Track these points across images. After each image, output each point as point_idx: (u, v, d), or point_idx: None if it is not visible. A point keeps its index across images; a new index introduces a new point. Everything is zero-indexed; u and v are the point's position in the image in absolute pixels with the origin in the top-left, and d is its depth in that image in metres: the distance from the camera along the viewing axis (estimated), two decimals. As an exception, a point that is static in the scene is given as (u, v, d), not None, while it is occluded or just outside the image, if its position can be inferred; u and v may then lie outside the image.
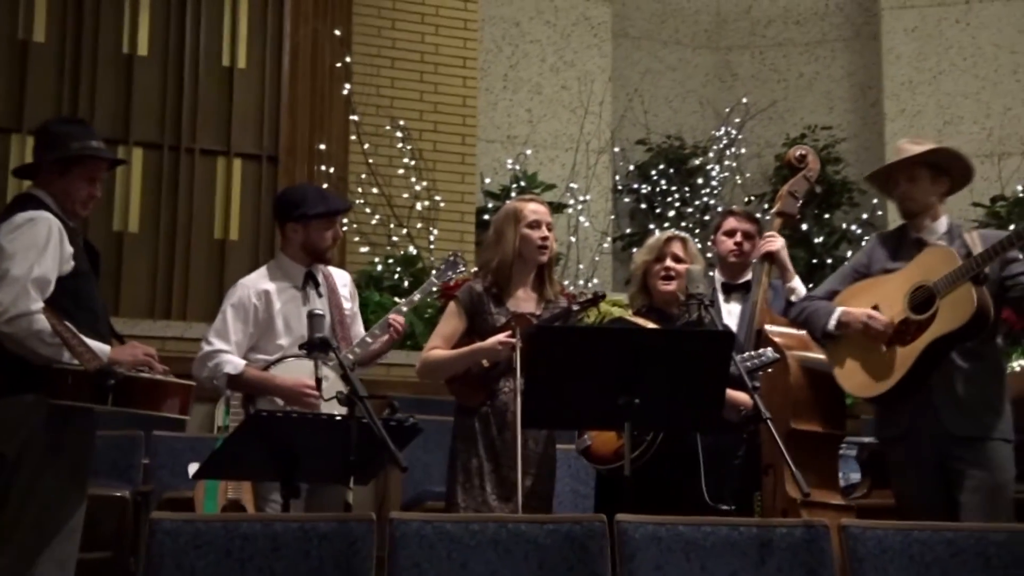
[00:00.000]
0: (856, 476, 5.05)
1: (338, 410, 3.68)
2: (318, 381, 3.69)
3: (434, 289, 4.66)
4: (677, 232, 4.35)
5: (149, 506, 5.23)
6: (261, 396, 4.09)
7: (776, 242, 4.47)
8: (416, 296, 4.51)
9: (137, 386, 3.50)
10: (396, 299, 6.54)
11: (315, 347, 3.65)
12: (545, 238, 4.11)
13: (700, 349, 3.46)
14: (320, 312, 3.77)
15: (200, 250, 7.31)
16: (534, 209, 4.15)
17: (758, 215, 5.08)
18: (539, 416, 3.58)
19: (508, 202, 4.34)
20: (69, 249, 3.62)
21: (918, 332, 3.88)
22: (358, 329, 4.41)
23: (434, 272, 4.70)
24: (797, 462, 3.83)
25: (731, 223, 4.65)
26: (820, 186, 8.09)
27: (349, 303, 4.39)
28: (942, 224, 4.08)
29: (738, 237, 4.60)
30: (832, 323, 4.02)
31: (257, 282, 4.26)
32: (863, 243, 8.38)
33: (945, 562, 3.20)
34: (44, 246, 3.54)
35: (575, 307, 4.10)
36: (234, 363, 4.09)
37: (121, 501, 5.00)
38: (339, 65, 7.72)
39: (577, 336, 3.66)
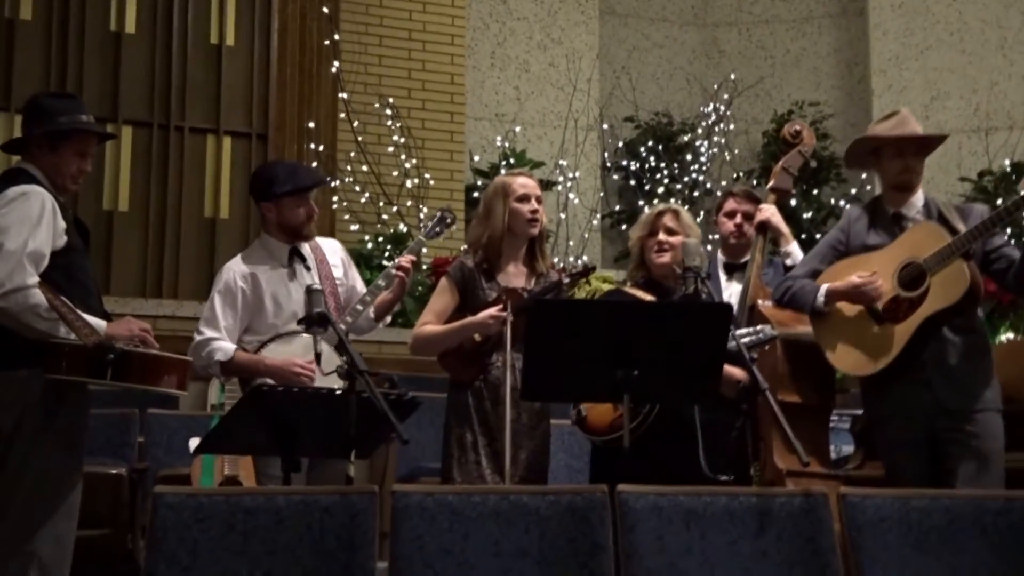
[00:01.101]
0: (848, 448, 5.08)
1: (335, 384, 3.71)
2: (317, 356, 3.69)
3: (424, 249, 4.63)
4: (669, 205, 4.36)
5: (145, 483, 5.24)
6: (254, 379, 4.10)
7: (766, 210, 4.48)
8: (405, 257, 4.45)
9: (136, 361, 3.49)
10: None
11: (313, 322, 3.66)
12: (535, 211, 4.12)
13: (698, 321, 3.48)
14: (318, 288, 3.77)
15: (190, 228, 7.32)
16: (523, 183, 4.16)
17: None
18: (538, 389, 3.58)
19: (497, 177, 4.35)
20: (62, 224, 3.60)
21: (910, 309, 3.89)
22: (358, 294, 4.38)
23: (423, 229, 4.66)
24: (784, 435, 3.86)
25: (731, 204, 4.63)
26: (814, 161, 8.10)
27: (341, 271, 4.37)
28: (919, 198, 4.08)
29: (738, 219, 4.58)
30: (820, 299, 4.01)
31: (242, 264, 4.25)
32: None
33: (943, 529, 3.23)
34: (38, 220, 3.51)
35: (566, 280, 4.11)
36: (224, 349, 4.10)
37: (117, 479, 4.99)
38: (327, 43, 7.70)
39: (576, 309, 3.67)
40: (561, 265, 7.31)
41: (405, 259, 4.36)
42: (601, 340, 3.40)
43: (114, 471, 5.05)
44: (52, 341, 3.43)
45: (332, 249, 4.43)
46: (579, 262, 8.05)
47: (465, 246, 7.67)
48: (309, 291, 3.72)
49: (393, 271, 4.34)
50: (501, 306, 3.97)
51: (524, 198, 4.10)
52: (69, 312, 3.38)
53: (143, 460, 5.45)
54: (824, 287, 4.02)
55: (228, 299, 4.18)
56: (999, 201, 7.72)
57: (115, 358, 3.38)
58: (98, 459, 4.95)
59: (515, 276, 4.14)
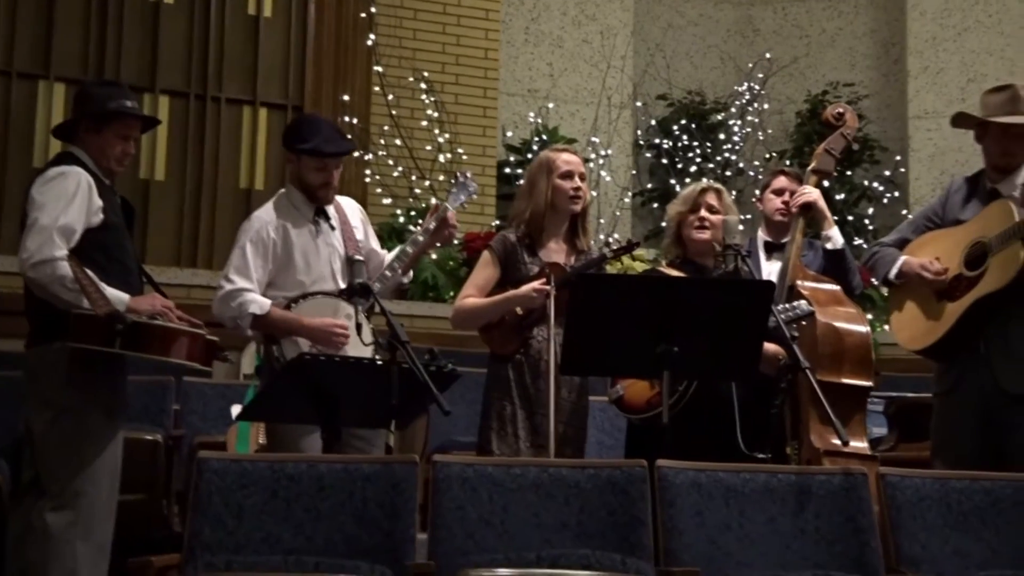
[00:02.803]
0: (880, 430, 5.09)
1: (361, 353, 3.73)
2: (359, 327, 3.71)
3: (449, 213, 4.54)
4: (712, 183, 4.36)
5: (181, 450, 5.30)
6: (286, 336, 3.98)
7: (811, 193, 4.47)
8: (431, 224, 4.31)
9: (145, 331, 3.59)
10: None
11: (356, 292, 3.69)
12: (578, 188, 4.13)
13: (740, 299, 3.49)
14: (360, 258, 3.80)
15: (226, 199, 7.34)
16: (567, 159, 4.17)
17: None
18: (577, 363, 3.61)
19: (541, 153, 4.34)
20: (98, 202, 3.74)
21: (967, 288, 3.87)
22: (379, 259, 4.31)
23: (448, 198, 4.55)
24: (821, 414, 3.88)
25: (781, 182, 4.61)
26: (856, 144, 8.04)
27: (362, 233, 4.27)
28: (1020, 175, 4.02)
29: (786, 196, 4.57)
30: (894, 272, 4.07)
31: (273, 215, 4.11)
32: (884, 201, 8.47)
33: (983, 511, 3.25)
34: (72, 197, 3.67)
35: (609, 254, 4.13)
36: (259, 303, 3.96)
37: (154, 445, 5.03)
38: (363, 15, 7.70)
39: (618, 284, 3.68)
40: (592, 244, 7.29)
41: (450, 213, 4.29)
42: (642, 315, 3.42)
43: (150, 437, 5.10)
44: (74, 312, 3.55)
45: (352, 209, 4.31)
46: (610, 240, 8.04)
47: (497, 221, 7.75)
48: (351, 261, 3.77)
49: (433, 221, 4.26)
50: (544, 280, 3.98)
51: (567, 175, 4.11)
52: (90, 284, 3.52)
53: (179, 427, 5.50)
54: (900, 260, 4.05)
55: (259, 249, 4.03)
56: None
57: (124, 328, 3.49)
58: (134, 425, 4.99)
59: (556, 252, 4.15)
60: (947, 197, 4.16)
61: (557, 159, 4.15)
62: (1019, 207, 3.85)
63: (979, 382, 3.86)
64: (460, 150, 7.90)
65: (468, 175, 4.57)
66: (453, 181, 4.60)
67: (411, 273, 4.44)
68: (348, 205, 4.34)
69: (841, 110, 4.63)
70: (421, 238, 4.29)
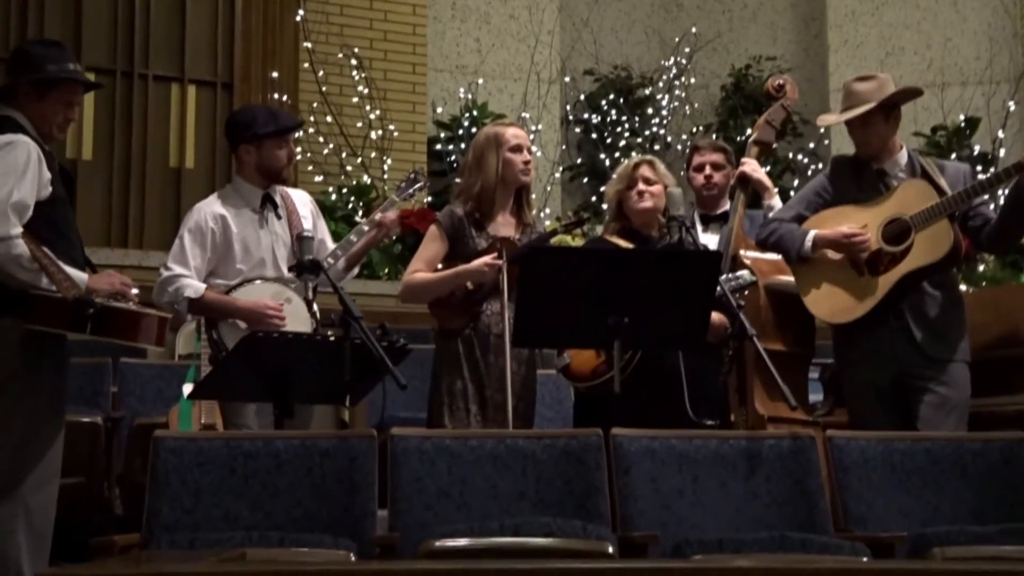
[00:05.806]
0: (817, 396, 5.19)
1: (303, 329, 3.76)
2: (308, 303, 3.72)
3: (395, 206, 4.66)
4: (644, 156, 4.42)
5: (120, 432, 5.24)
6: (222, 319, 4.08)
7: (748, 164, 4.55)
8: (378, 214, 4.46)
9: (114, 316, 3.51)
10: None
11: (305, 269, 3.68)
12: (527, 161, 4.17)
13: (688, 269, 3.56)
14: (310, 234, 3.80)
15: (155, 178, 7.22)
16: (515, 133, 4.21)
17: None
18: (529, 335, 3.65)
19: (486, 127, 4.37)
20: (47, 174, 3.59)
21: (892, 263, 3.99)
22: (327, 247, 4.38)
23: (398, 189, 4.71)
24: (766, 381, 3.98)
25: (697, 159, 4.68)
26: (796, 114, 8.16)
27: (310, 223, 4.32)
28: (903, 156, 4.17)
29: (707, 170, 4.63)
30: (807, 245, 4.10)
31: (213, 206, 4.22)
32: (808, 173, 8.63)
33: (924, 470, 3.37)
34: (24, 170, 3.50)
35: (560, 229, 4.17)
36: (194, 287, 4.06)
37: (93, 427, 4.98)
38: (291, -10, 7.64)
39: (568, 255, 3.72)
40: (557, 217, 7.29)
41: (389, 215, 4.39)
42: (592, 287, 3.47)
43: (89, 420, 5.04)
44: (33, 292, 3.43)
45: (302, 200, 4.43)
46: (541, 215, 8.08)
47: (429, 198, 7.75)
48: (300, 238, 3.76)
49: (369, 224, 4.36)
50: (496, 254, 4.00)
51: (517, 148, 4.15)
52: (51, 264, 3.39)
53: (117, 409, 5.44)
54: (812, 233, 4.10)
55: (198, 238, 4.14)
56: (952, 156, 7.87)
57: (94, 312, 3.38)
58: (73, 408, 4.92)
59: (504, 226, 4.18)
60: (833, 177, 4.23)
61: (505, 133, 4.18)
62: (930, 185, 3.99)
63: (895, 350, 3.98)
64: (391, 127, 7.88)
65: (423, 172, 4.66)
66: (411, 175, 4.68)
67: (354, 270, 4.49)
68: (297, 196, 4.44)
69: (781, 82, 4.71)
70: (367, 228, 4.37)
